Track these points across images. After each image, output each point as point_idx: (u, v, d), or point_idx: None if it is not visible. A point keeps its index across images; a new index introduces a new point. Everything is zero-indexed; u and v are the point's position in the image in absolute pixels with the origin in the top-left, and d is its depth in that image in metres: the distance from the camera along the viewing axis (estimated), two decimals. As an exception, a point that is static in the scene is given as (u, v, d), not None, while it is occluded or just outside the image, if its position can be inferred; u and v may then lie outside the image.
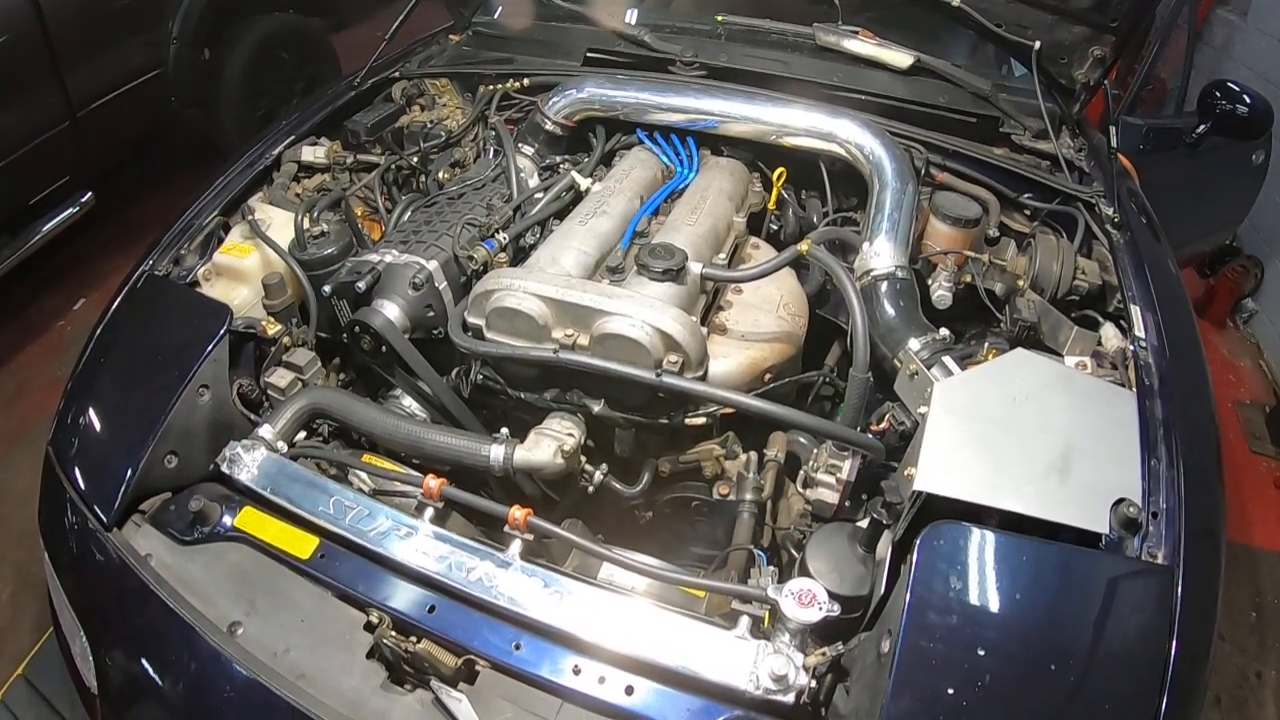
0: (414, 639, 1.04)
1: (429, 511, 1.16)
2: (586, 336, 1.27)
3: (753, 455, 1.40)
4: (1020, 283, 1.62)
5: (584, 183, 1.66)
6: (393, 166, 1.87)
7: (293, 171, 1.89)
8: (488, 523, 1.26)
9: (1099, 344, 1.49)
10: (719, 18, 2.06)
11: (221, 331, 1.38)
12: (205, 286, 1.63)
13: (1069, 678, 0.92)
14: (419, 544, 1.11)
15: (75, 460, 1.34)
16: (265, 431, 1.31)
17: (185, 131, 3.42)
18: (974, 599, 0.97)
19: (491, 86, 2.02)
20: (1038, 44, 1.82)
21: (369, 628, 1.07)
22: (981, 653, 0.93)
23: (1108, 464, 1.11)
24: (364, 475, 1.28)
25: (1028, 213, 1.80)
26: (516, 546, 1.11)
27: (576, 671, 1.02)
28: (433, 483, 1.16)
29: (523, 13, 2.33)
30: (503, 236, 1.49)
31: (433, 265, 1.42)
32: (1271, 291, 3.37)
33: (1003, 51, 2.08)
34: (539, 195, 1.66)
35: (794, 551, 1.35)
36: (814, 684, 1.00)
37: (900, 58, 1.94)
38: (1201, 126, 2.34)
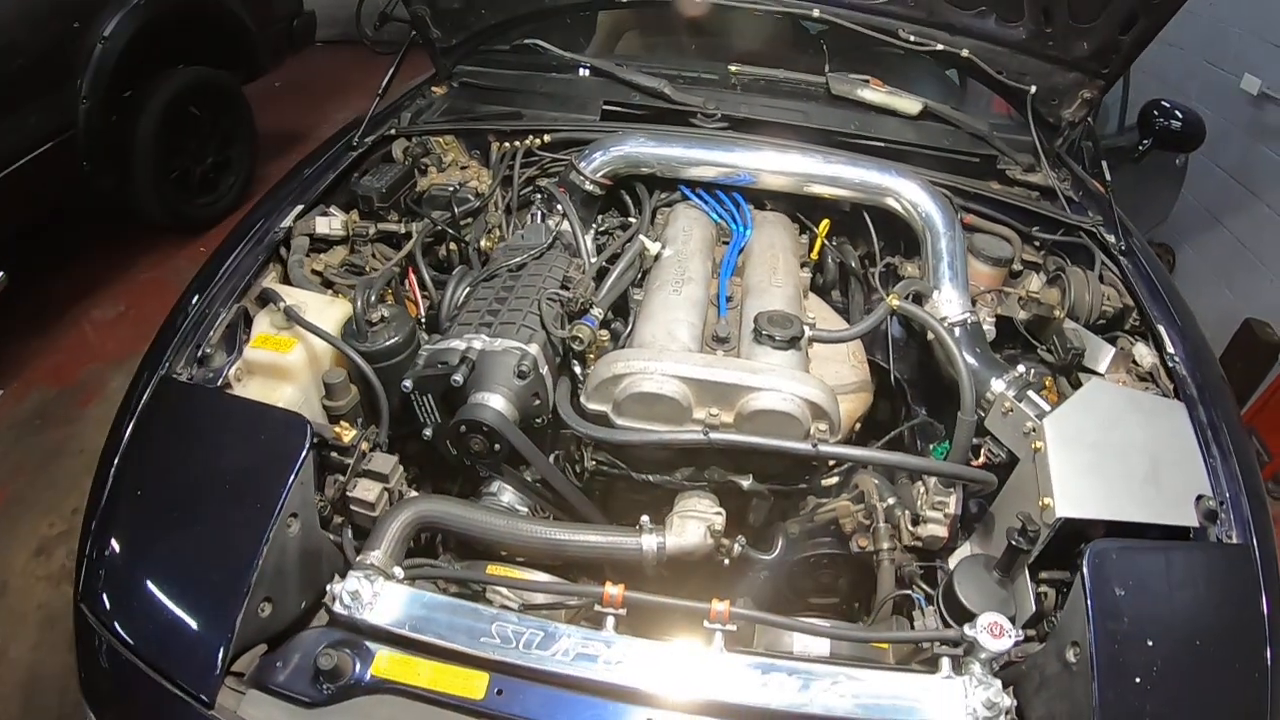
0: None
1: (610, 620, 1.06)
2: (730, 414, 1.22)
3: (877, 505, 1.40)
4: (1057, 312, 1.73)
5: (653, 247, 1.60)
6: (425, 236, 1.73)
7: (305, 246, 1.71)
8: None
9: (1134, 362, 1.64)
10: (732, 68, 2.08)
11: (306, 448, 1.20)
12: (238, 388, 1.43)
13: (1210, 647, 1.11)
14: (616, 657, 1.02)
15: (133, 620, 1.12)
16: (375, 557, 1.15)
17: (97, 198, 3.03)
18: (1136, 601, 1.11)
19: (509, 144, 1.93)
20: (1033, 89, 1.97)
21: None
22: (1150, 644, 1.07)
23: (1182, 468, 1.30)
24: (505, 591, 1.16)
25: (1036, 244, 1.93)
26: (719, 640, 1.05)
27: None
28: (613, 590, 1.06)
29: (510, 63, 2.25)
30: (598, 311, 1.40)
31: (534, 349, 1.32)
32: (1184, 275, 3.79)
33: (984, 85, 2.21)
34: (606, 263, 1.59)
35: (924, 587, 1.38)
36: (1016, 702, 1.06)
37: (909, 104, 2.03)
38: (1145, 143, 2.62)
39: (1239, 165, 3.62)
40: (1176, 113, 2.60)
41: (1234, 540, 1.23)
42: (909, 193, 1.70)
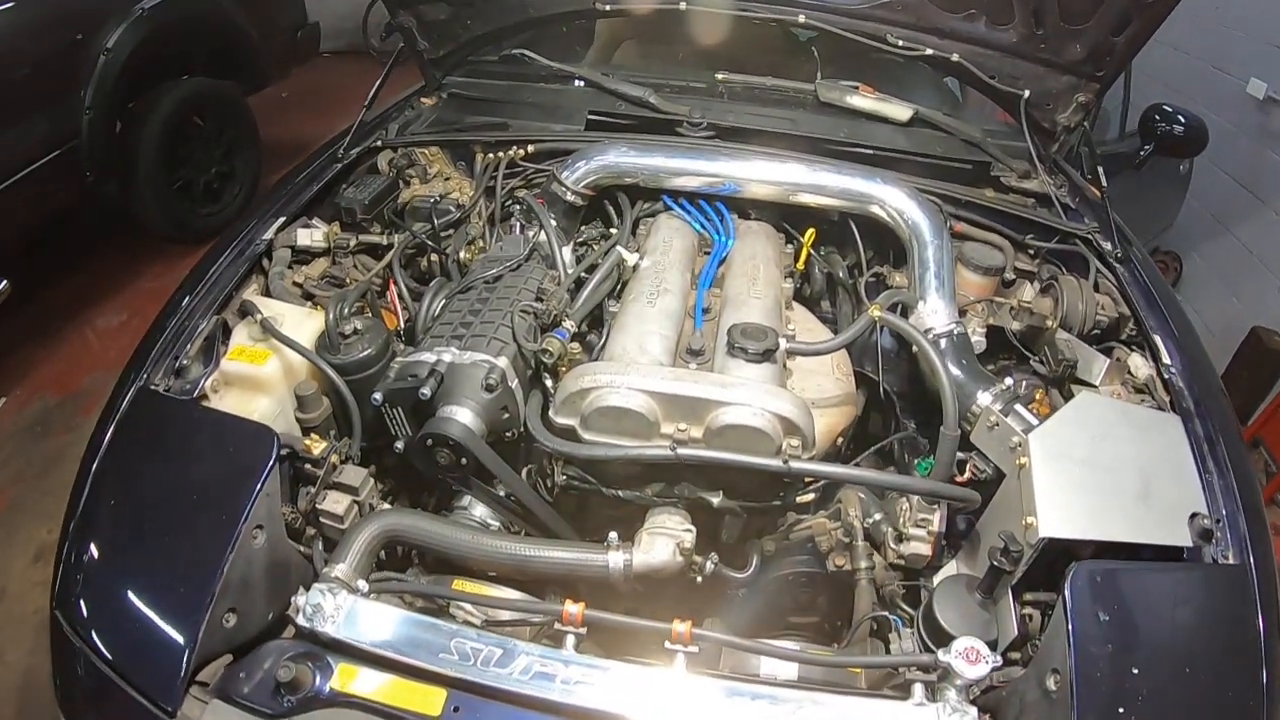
0: None
1: (570, 639, 1.05)
2: (700, 429, 1.21)
3: (855, 523, 1.37)
4: (1049, 323, 1.70)
5: (631, 259, 1.59)
6: (406, 248, 1.73)
7: (287, 258, 1.72)
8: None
9: (1128, 373, 1.59)
10: (719, 76, 2.07)
11: (271, 460, 1.21)
12: (214, 399, 1.44)
13: (1200, 675, 1.06)
14: (575, 677, 1.01)
15: (103, 628, 1.13)
16: (340, 570, 1.15)
17: (100, 207, 3.08)
18: (1121, 626, 1.07)
19: (493, 155, 1.92)
20: (1027, 93, 1.93)
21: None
22: (1135, 671, 1.03)
23: (1176, 484, 1.25)
24: (468, 606, 1.15)
25: (1030, 252, 1.89)
26: (681, 661, 1.03)
27: None
28: (573, 608, 1.05)
29: (499, 74, 2.26)
30: (570, 324, 1.39)
31: (503, 362, 1.31)
32: (1190, 283, 3.72)
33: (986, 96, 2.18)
34: (584, 274, 1.57)
35: (905, 607, 1.35)
36: None
37: (900, 111, 2.01)
38: (1146, 148, 2.57)
39: (1245, 171, 3.58)
40: (1179, 117, 2.54)
41: (1230, 561, 1.17)
42: (895, 200, 1.68)
